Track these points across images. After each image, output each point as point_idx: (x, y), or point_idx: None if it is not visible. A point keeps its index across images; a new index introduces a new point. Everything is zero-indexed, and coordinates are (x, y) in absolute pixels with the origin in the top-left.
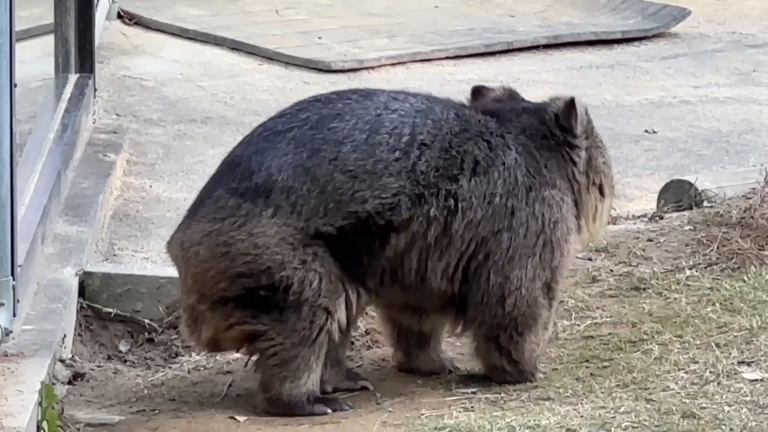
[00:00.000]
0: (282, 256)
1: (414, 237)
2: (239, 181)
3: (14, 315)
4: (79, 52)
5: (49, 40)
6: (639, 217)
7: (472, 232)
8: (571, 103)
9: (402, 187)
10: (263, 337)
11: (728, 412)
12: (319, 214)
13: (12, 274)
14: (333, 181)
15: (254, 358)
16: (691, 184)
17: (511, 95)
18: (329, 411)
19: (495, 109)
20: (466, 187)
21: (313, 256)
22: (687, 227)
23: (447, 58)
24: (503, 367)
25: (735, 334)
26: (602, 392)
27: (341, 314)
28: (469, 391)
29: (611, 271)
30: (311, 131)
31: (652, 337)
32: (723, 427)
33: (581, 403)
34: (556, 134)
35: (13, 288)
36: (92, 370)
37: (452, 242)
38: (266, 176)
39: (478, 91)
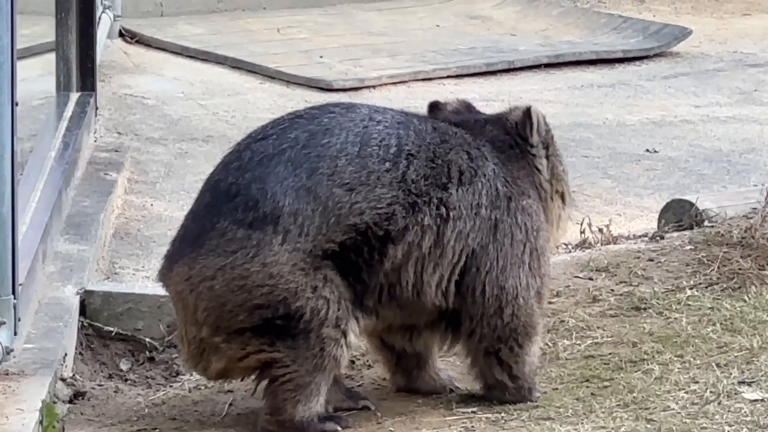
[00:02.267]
0: (295, 284)
1: (410, 247)
2: (244, 211)
3: (15, 333)
4: (81, 71)
5: (51, 59)
6: (640, 236)
7: (462, 243)
8: (528, 113)
9: (395, 197)
10: (278, 363)
11: None
12: (323, 232)
13: (13, 293)
14: (333, 196)
15: (264, 383)
16: (692, 204)
17: (468, 107)
18: (339, 428)
19: (460, 121)
20: (455, 196)
21: (323, 281)
22: (688, 247)
23: (448, 77)
24: (504, 384)
25: (735, 354)
26: (603, 412)
27: (351, 338)
28: (470, 410)
29: (612, 290)
30: (305, 150)
31: (653, 357)
32: None
33: (582, 423)
34: (519, 143)
35: (14, 306)
36: (93, 388)
37: (444, 253)
38: (273, 203)
39: (435, 106)
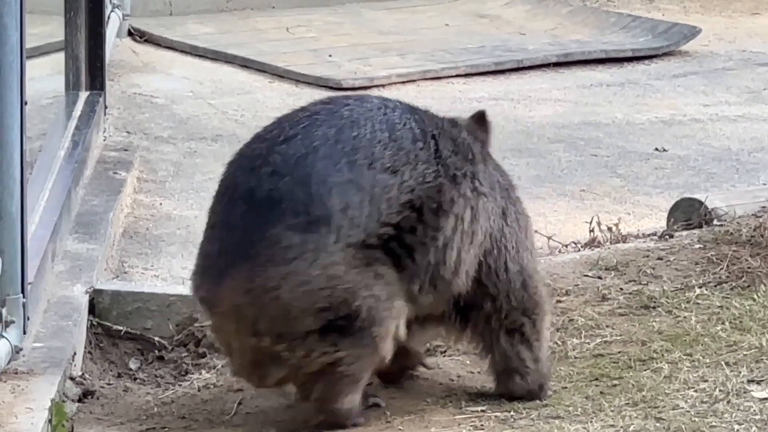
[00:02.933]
0: (352, 283)
1: (456, 220)
2: (294, 216)
3: (24, 332)
4: (90, 70)
5: (60, 58)
6: (649, 235)
7: (487, 223)
8: (485, 115)
9: (438, 171)
10: (340, 363)
11: (738, 431)
12: (375, 218)
13: (22, 292)
14: (378, 182)
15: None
16: (701, 203)
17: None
18: (362, 422)
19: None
20: (481, 173)
21: (375, 278)
22: (697, 246)
23: (457, 75)
24: (526, 367)
25: (745, 352)
26: (612, 411)
27: (401, 330)
28: (479, 409)
29: (621, 289)
30: (338, 145)
31: (662, 355)
32: None
33: (591, 422)
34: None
35: (24, 305)
36: (102, 387)
37: (477, 231)
38: (322, 204)
39: None
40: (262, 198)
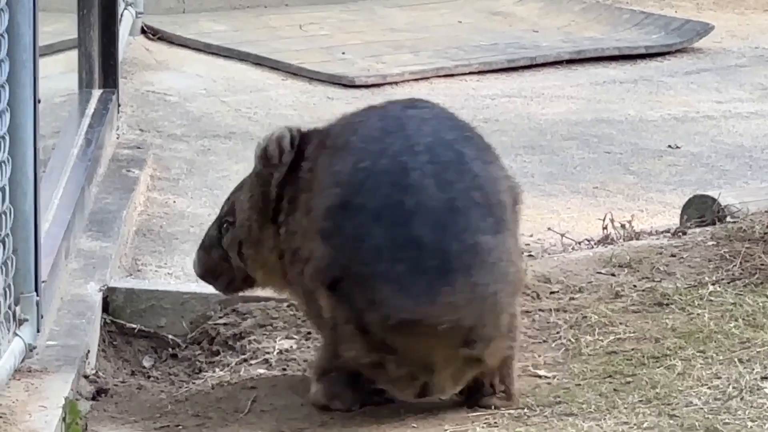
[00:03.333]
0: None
1: None
2: (484, 219)
3: (38, 330)
4: (103, 68)
5: (73, 56)
6: (662, 232)
7: None
8: None
9: None
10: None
11: (751, 427)
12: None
13: (36, 290)
14: (499, 176)
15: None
16: (714, 200)
17: None
18: None
19: None
20: None
21: None
22: (710, 243)
23: (470, 73)
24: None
25: (758, 349)
26: (625, 408)
27: None
28: (493, 407)
29: (634, 286)
30: (472, 146)
31: (675, 352)
32: None
33: (604, 419)
34: None
35: (37, 303)
36: (116, 385)
37: None
38: (501, 204)
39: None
40: (446, 209)
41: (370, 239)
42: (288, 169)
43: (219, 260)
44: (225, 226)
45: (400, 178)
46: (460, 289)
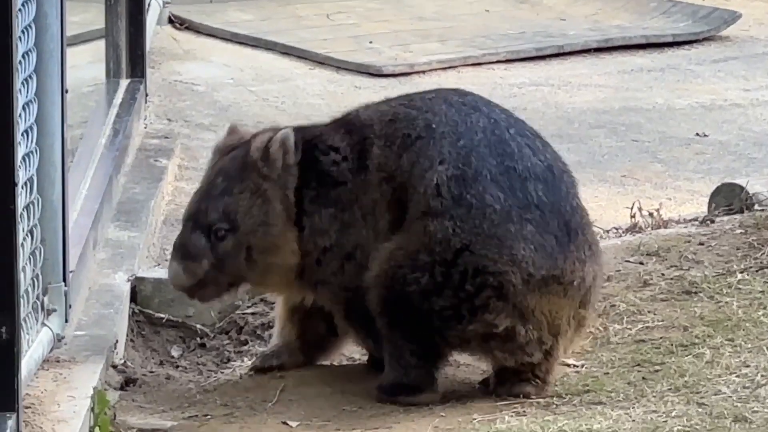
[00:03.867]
0: None
1: None
2: (573, 185)
3: (66, 321)
4: (130, 57)
5: (101, 45)
6: (690, 220)
7: None
8: None
9: None
10: None
11: None
12: None
13: (64, 280)
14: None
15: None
16: (742, 188)
17: None
18: None
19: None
20: None
21: None
22: (738, 231)
23: (498, 62)
24: None
25: None
26: (654, 396)
27: None
28: (521, 395)
29: (663, 274)
30: (512, 128)
31: (704, 340)
32: None
33: (633, 408)
34: None
35: (65, 294)
36: (144, 375)
37: None
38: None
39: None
40: (549, 175)
41: (496, 203)
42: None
43: (209, 269)
44: (219, 234)
45: (503, 148)
46: (581, 247)
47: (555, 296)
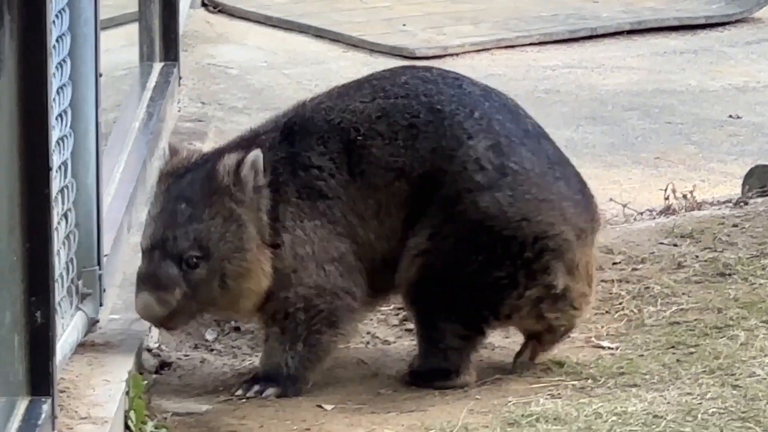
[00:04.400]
0: None
1: None
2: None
3: (101, 305)
4: (164, 41)
5: (134, 29)
6: (724, 202)
7: None
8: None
9: None
10: None
11: None
12: None
13: (98, 264)
14: None
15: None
16: None
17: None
18: None
19: None
20: None
21: None
22: None
23: (531, 44)
24: None
25: None
26: (688, 378)
27: None
28: (556, 378)
29: (696, 257)
30: (495, 91)
31: (738, 322)
32: None
33: (667, 390)
34: None
35: (100, 277)
36: (179, 359)
37: None
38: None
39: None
40: (542, 131)
41: (534, 166)
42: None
43: (181, 298)
44: (192, 261)
45: (508, 111)
46: (591, 194)
47: (589, 247)
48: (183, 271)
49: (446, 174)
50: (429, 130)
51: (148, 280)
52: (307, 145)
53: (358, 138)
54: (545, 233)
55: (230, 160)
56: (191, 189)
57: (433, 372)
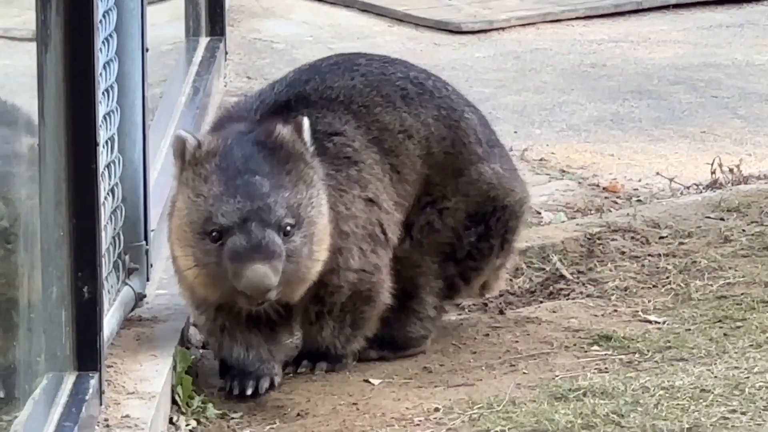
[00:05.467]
0: None
1: None
2: None
3: (148, 279)
4: (210, 15)
5: (180, 4)
6: None
7: None
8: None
9: None
10: None
11: None
12: None
13: (145, 239)
14: None
15: None
16: None
17: None
18: None
19: None
20: None
21: None
22: None
23: (577, 18)
24: None
25: None
26: (736, 353)
27: None
28: (603, 352)
29: (743, 231)
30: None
31: None
32: None
33: (715, 364)
34: None
35: (147, 252)
36: None
37: None
38: None
39: None
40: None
41: (499, 138)
42: None
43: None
44: (287, 230)
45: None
46: None
47: None
48: (282, 241)
49: (452, 143)
50: (424, 99)
51: (257, 251)
52: (322, 115)
53: (362, 108)
54: (522, 201)
55: (285, 128)
56: (256, 161)
57: (410, 340)
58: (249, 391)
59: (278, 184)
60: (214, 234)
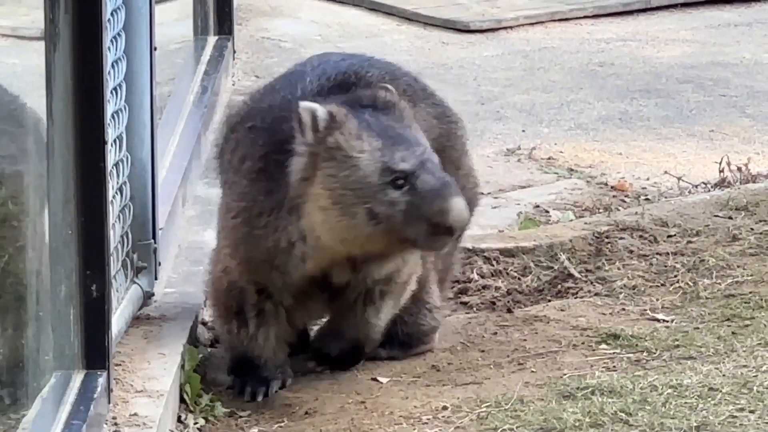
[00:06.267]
0: None
1: None
2: None
3: (156, 278)
4: (218, 14)
5: (188, 2)
6: None
7: None
8: None
9: None
10: None
11: None
12: None
13: (153, 237)
14: None
15: None
16: None
17: None
18: None
19: None
20: None
21: None
22: None
23: (585, 17)
24: None
25: None
26: (744, 351)
27: None
28: (611, 351)
29: (751, 229)
30: None
31: None
32: None
33: (723, 362)
34: None
35: (155, 251)
36: None
37: None
38: None
39: None
40: None
41: None
42: None
43: None
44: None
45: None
46: None
47: None
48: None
49: (449, 136)
50: (420, 96)
51: (450, 186)
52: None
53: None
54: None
55: (387, 92)
56: (390, 118)
57: (422, 333)
58: (260, 398)
59: (419, 136)
60: (398, 181)
